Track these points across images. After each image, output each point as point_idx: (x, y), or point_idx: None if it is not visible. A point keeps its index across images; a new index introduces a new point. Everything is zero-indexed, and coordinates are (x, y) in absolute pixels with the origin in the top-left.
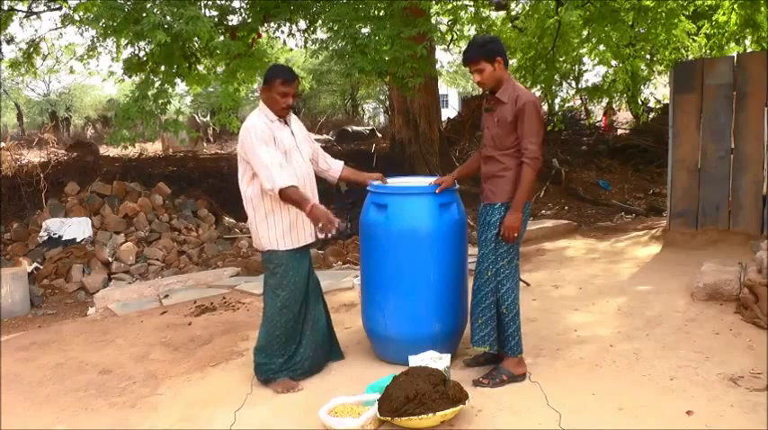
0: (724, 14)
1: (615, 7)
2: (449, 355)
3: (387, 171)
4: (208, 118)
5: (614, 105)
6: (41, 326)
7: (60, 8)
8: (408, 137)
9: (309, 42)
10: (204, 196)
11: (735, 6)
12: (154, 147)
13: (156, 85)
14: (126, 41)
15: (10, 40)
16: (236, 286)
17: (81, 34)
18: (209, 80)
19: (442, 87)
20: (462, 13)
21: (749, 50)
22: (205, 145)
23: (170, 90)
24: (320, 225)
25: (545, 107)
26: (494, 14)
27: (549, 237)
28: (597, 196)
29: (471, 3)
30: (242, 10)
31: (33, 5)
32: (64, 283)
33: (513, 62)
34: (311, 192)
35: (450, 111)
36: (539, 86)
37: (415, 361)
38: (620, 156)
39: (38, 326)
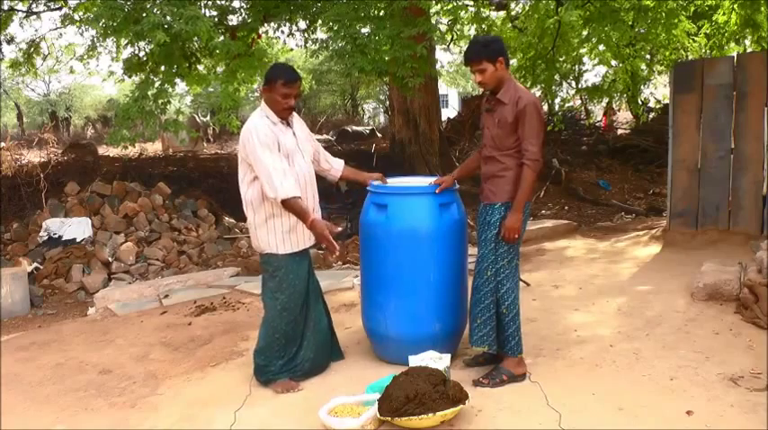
0: (724, 14)
1: (615, 7)
2: (449, 355)
3: (387, 171)
4: (208, 118)
5: (614, 105)
6: (41, 326)
7: (60, 8)
8: (408, 137)
9: (309, 42)
10: (204, 196)
11: (735, 6)
12: (154, 147)
13: (156, 85)
14: (126, 41)
15: (10, 40)
16: (236, 286)
17: (81, 34)
18: (209, 80)
19: (442, 87)
20: (462, 12)
21: (749, 50)
22: (205, 145)
23: (170, 90)
24: (324, 246)
25: (545, 107)
26: (494, 14)
27: (549, 237)
28: (597, 196)
29: (471, 3)
30: (242, 10)
31: (33, 5)
32: (64, 283)
33: (513, 62)
34: (312, 195)
35: (450, 112)
36: (539, 86)
37: (415, 361)
38: (620, 156)
39: (38, 326)
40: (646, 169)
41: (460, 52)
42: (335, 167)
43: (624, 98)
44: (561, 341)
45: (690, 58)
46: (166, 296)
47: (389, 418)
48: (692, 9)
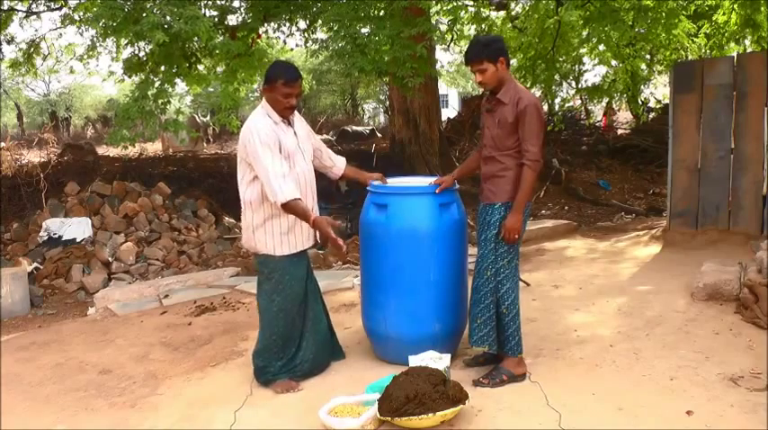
0: (724, 14)
1: (615, 7)
2: (449, 355)
3: (387, 171)
4: (208, 118)
5: (614, 105)
6: (41, 327)
7: (60, 8)
8: (408, 137)
9: (309, 42)
10: (204, 196)
11: (735, 6)
12: (154, 147)
13: (156, 85)
14: (126, 41)
15: (10, 40)
16: (236, 286)
17: (81, 34)
18: (209, 80)
19: (442, 87)
20: (462, 12)
21: (749, 50)
22: (205, 145)
23: (170, 90)
24: (330, 248)
25: (545, 107)
26: (494, 14)
27: (549, 237)
28: (597, 196)
29: (471, 2)
30: (242, 10)
31: (33, 5)
32: (64, 283)
33: (513, 62)
34: (311, 196)
35: (450, 112)
36: (539, 86)
37: (415, 361)
38: (620, 156)
39: (38, 326)
40: (646, 169)
41: (460, 52)
42: (338, 165)
43: (624, 98)
44: (561, 341)
45: (690, 58)
46: (166, 296)
47: (389, 418)
48: (692, 9)
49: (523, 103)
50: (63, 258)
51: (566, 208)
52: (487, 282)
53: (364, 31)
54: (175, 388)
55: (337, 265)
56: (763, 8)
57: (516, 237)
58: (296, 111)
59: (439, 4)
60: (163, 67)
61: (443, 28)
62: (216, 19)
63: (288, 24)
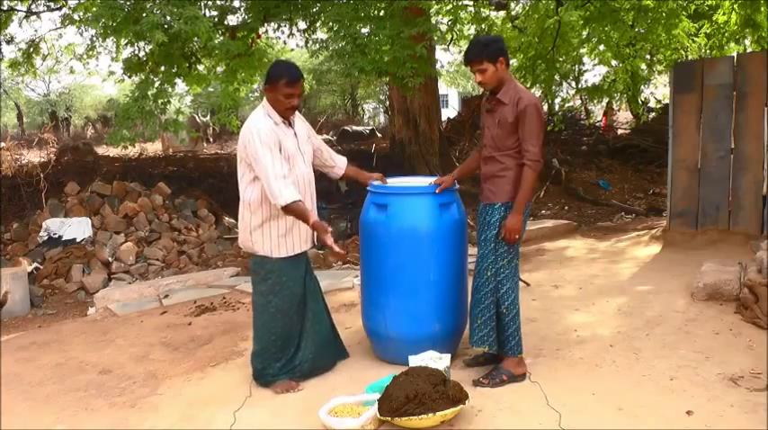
0: (724, 14)
1: (615, 7)
2: (449, 355)
3: (387, 171)
4: (208, 118)
5: (614, 105)
6: (41, 326)
7: (60, 8)
8: (408, 137)
9: (310, 43)
10: (204, 196)
11: (735, 6)
12: (154, 147)
13: (156, 85)
14: (126, 41)
15: (10, 41)
16: (236, 286)
17: (81, 34)
18: (209, 80)
19: (442, 87)
20: (462, 12)
21: (749, 50)
22: (205, 145)
23: (170, 90)
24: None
25: (545, 107)
26: (494, 14)
27: (549, 237)
28: (597, 196)
29: (471, 2)
30: (242, 10)
31: (33, 5)
32: (64, 283)
33: (513, 62)
34: (310, 198)
35: (450, 112)
36: (539, 86)
37: (415, 361)
38: (620, 156)
39: (38, 326)
40: (646, 169)
41: (460, 52)
42: (339, 166)
43: (624, 98)
44: (561, 341)
45: (690, 58)
46: (166, 296)
47: (389, 418)
48: (692, 9)
49: (523, 103)
50: (63, 258)
51: (566, 208)
52: (487, 283)
53: (364, 31)
54: (175, 388)
55: (337, 265)
56: (763, 8)
57: (516, 237)
58: (297, 113)
59: (439, 4)
60: (163, 67)
61: (443, 28)
62: (216, 19)
63: (288, 24)
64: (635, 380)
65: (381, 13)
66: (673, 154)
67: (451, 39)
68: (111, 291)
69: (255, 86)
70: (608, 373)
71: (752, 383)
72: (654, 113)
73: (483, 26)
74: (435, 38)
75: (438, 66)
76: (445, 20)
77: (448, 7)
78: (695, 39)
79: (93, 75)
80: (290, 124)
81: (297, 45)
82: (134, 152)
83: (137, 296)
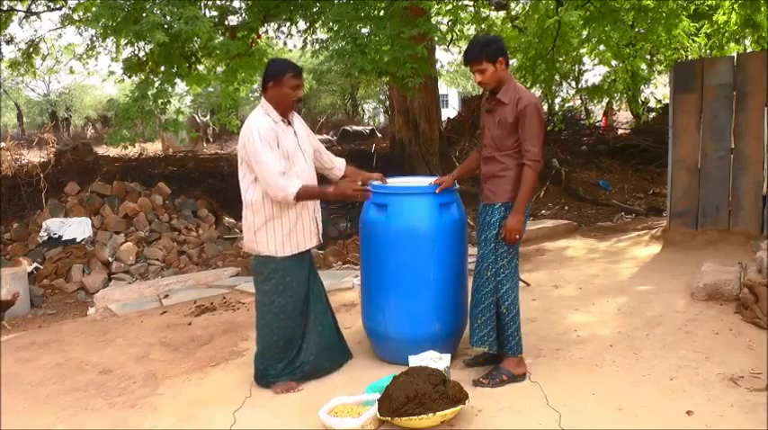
0: (724, 14)
1: (615, 7)
2: (449, 355)
3: (387, 171)
4: (208, 118)
5: (614, 105)
6: (41, 326)
7: (60, 8)
8: (408, 137)
9: (309, 43)
10: (204, 196)
11: (735, 6)
12: (154, 147)
13: (156, 85)
14: (126, 41)
15: (10, 41)
16: (236, 286)
17: (80, 34)
18: (209, 80)
19: (442, 87)
20: (462, 13)
21: (749, 50)
22: (205, 145)
23: (170, 90)
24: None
25: (545, 107)
26: (494, 14)
27: (549, 237)
28: (597, 196)
29: (471, 3)
30: (242, 10)
31: (33, 5)
32: (64, 283)
33: (513, 62)
34: None
35: (450, 111)
36: (539, 86)
37: (415, 361)
38: (620, 156)
39: (38, 326)
40: (646, 169)
41: (460, 52)
42: (337, 167)
43: (624, 98)
44: (561, 341)
45: (690, 57)
46: (166, 296)
47: (389, 418)
48: (692, 9)
49: (523, 103)
50: (63, 258)
51: (566, 208)
52: (487, 283)
53: (364, 31)
54: (175, 388)
55: (337, 265)
56: (763, 8)
57: (517, 237)
58: (296, 113)
59: (439, 5)
60: (163, 68)
61: (443, 28)
62: (216, 19)
63: (288, 24)
64: (635, 380)
65: (381, 13)
66: (673, 154)
67: (452, 39)
68: (111, 291)
69: (255, 86)
70: (608, 373)
71: (752, 383)
72: (654, 113)
73: (483, 26)
74: (435, 38)
75: (438, 66)
76: (445, 20)
77: (448, 7)
78: (695, 39)
79: (92, 75)
80: (290, 123)
81: (294, 46)
82: (134, 152)
83: (137, 296)
